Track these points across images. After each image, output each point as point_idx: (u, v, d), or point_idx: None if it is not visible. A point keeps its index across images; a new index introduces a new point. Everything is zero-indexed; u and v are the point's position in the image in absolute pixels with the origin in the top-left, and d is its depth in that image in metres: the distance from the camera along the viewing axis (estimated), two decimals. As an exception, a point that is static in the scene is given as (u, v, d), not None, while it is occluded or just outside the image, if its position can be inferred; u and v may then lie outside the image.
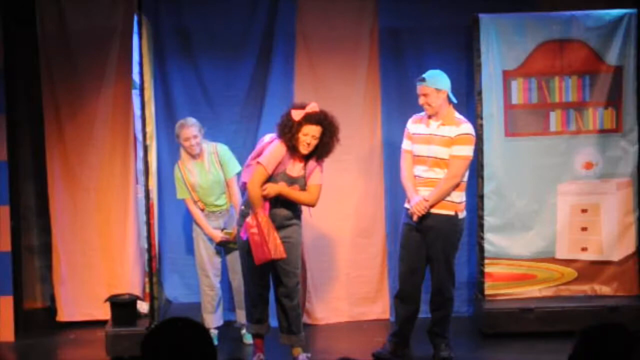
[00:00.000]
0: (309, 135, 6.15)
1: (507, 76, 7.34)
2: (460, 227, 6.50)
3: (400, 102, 7.53)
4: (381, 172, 7.67)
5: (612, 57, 7.33)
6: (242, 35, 7.62)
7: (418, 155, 6.50)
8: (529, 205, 7.38)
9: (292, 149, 6.19)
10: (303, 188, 6.31)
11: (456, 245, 6.53)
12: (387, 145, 7.61)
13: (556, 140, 7.39)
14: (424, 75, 6.46)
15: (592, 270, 7.45)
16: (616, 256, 7.44)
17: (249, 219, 6.18)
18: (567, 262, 7.45)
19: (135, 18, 6.94)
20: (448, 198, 6.41)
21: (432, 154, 6.42)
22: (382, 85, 7.66)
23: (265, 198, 6.19)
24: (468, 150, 6.43)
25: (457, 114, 6.49)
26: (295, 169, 6.27)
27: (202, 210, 7.02)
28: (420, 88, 6.45)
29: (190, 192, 6.99)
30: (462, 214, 6.49)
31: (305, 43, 7.65)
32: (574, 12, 7.34)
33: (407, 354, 6.65)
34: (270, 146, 6.27)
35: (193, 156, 6.95)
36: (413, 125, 6.60)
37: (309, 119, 6.15)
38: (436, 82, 6.42)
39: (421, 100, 6.45)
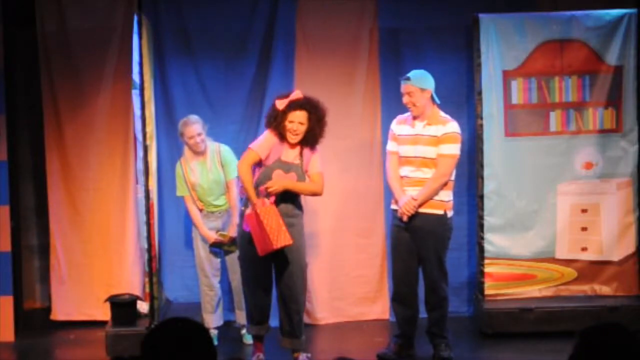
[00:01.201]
0: (295, 122, 6.22)
1: (507, 76, 7.34)
2: (449, 226, 6.50)
3: (400, 102, 7.47)
4: (381, 172, 7.65)
5: (612, 57, 7.33)
6: (242, 35, 7.63)
7: (405, 156, 6.49)
8: (529, 205, 7.38)
9: (282, 138, 6.26)
10: (301, 175, 6.33)
11: (447, 244, 6.52)
12: (386, 145, 7.59)
13: (556, 140, 7.38)
14: (408, 75, 6.48)
15: (592, 270, 7.45)
16: (616, 256, 7.44)
17: (248, 211, 6.21)
18: (567, 262, 7.45)
19: (135, 18, 6.94)
20: (436, 197, 6.41)
21: (420, 154, 6.42)
22: (382, 85, 7.66)
23: (271, 194, 6.20)
24: (455, 149, 6.43)
25: (442, 113, 6.50)
26: (289, 155, 6.30)
27: (201, 210, 7.02)
28: (404, 87, 6.45)
29: (190, 190, 6.99)
30: (450, 213, 6.49)
31: (305, 43, 7.65)
32: (574, 12, 7.34)
33: (411, 355, 6.64)
34: (262, 135, 6.39)
35: (198, 153, 6.95)
36: (398, 127, 6.60)
37: (293, 105, 6.23)
38: (421, 82, 6.42)
39: (405, 100, 6.46)
